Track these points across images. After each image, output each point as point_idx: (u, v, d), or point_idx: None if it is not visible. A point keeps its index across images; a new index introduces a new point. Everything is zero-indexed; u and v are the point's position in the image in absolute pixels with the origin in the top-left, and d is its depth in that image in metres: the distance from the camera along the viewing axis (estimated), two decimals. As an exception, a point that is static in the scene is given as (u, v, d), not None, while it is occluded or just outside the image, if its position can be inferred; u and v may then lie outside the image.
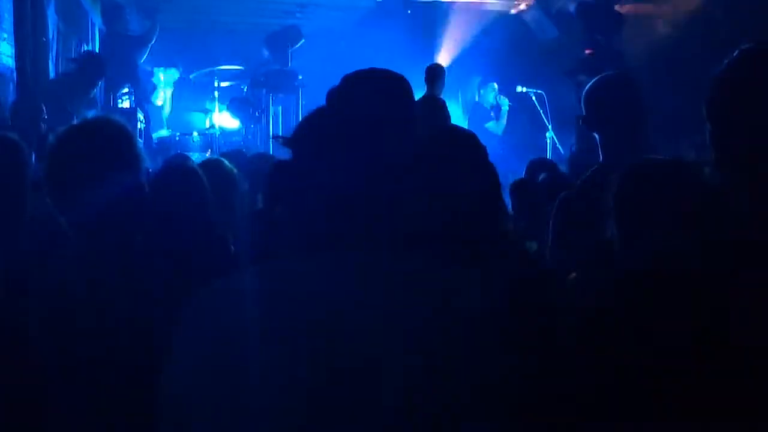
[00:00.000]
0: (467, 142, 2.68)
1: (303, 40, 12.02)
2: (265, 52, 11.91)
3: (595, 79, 3.65)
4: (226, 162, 4.44)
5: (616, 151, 3.42)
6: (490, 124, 11.20)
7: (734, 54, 1.92)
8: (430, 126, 5.74)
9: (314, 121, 1.73)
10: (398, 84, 2.72)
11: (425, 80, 9.02)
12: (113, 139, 2.39)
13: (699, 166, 2.38)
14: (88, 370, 2.26)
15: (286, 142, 1.71)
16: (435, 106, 8.59)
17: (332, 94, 2.49)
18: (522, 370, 1.64)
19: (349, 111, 1.81)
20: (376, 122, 1.75)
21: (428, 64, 9.34)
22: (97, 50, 11.13)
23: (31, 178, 3.08)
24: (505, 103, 11.26)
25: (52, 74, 8.79)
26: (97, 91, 8.83)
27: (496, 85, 11.43)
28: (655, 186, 2.36)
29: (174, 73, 11.92)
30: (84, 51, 9.82)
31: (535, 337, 1.92)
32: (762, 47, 1.93)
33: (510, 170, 9.01)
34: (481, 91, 11.56)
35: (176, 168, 3.58)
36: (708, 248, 1.91)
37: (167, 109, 11.98)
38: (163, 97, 11.64)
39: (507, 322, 1.67)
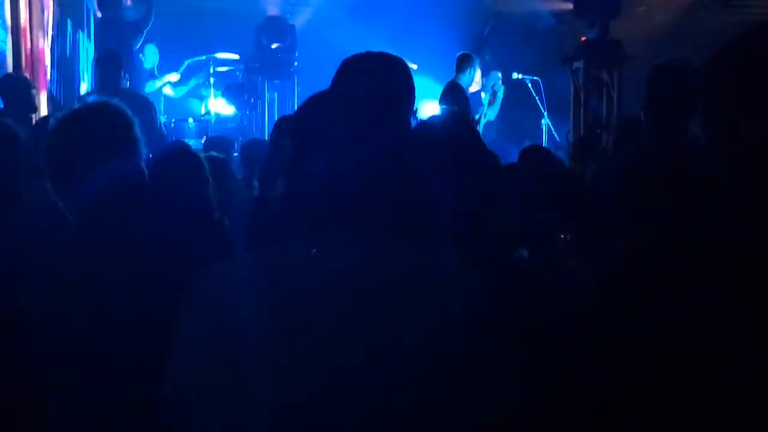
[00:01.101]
0: (461, 131, 2.68)
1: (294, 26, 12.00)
2: (259, 39, 11.86)
3: (658, 62, 3.79)
4: (214, 153, 4.45)
5: (653, 134, 3.51)
6: (483, 108, 11.18)
7: (725, 43, 1.91)
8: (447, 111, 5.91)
9: (313, 106, 1.73)
10: (395, 65, 2.71)
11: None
12: (113, 123, 2.38)
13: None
14: (88, 357, 2.26)
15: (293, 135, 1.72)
16: (451, 92, 9.23)
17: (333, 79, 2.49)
18: (520, 363, 1.64)
19: (347, 94, 1.80)
20: (375, 104, 1.74)
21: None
22: (92, 36, 11.10)
23: (26, 163, 3.07)
24: (501, 89, 11.25)
25: (47, 61, 8.75)
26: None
27: (499, 74, 11.40)
28: (655, 177, 2.37)
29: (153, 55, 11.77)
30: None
31: (535, 332, 1.92)
32: (751, 35, 1.92)
33: (505, 157, 9.02)
34: (483, 80, 11.54)
35: (176, 153, 3.58)
36: (704, 233, 1.91)
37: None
38: (160, 85, 11.56)
39: (509, 314, 1.67)
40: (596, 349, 2.05)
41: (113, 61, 7.39)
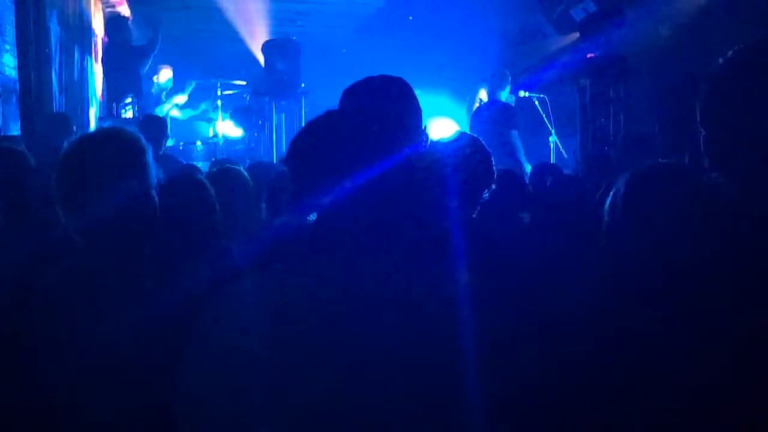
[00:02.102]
0: (471, 148, 2.69)
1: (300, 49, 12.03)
2: (266, 61, 11.89)
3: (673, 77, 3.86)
4: (244, 172, 4.47)
5: (665, 148, 3.55)
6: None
7: (724, 58, 1.91)
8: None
9: (316, 134, 1.73)
10: (397, 87, 2.72)
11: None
12: (124, 148, 2.39)
13: (699, 171, 2.39)
14: (97, 381, 2.26)
15: (288, 159, 1.72)
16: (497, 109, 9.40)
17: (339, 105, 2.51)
18: (536, 374, 1.63)
19: (353, 119, 1.80)
20: (381, 127, 1.75)
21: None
22: (100, 60, 11.16)
23: (37, 188, 3.09)
24: None
25: (55, 86, 8.78)
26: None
27: (514, 98, 11.38)
28: (658, 189, 2.36)
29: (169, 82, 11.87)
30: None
31: (546, 342, 1.91)
32: (749, 51, 1.92)
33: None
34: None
35: (182, 179, 3.58)
36: (710, 248, 1.91)
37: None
38: (169, 108, 11.61)
39: (523, 327, 1.66)
40: (602, 350, 2.05)
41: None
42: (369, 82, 2.70)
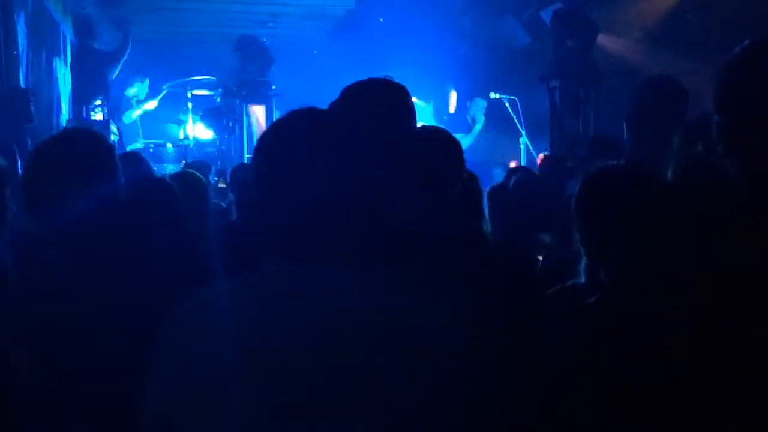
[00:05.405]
0: (448, 144, 2.70)
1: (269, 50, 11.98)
2: (236, 61, 11.85)
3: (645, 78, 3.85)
4: (196, 173, 4.45)
5: (634, 151, 3.55)
6: (459, 136, 11.14)
7: (743, 45, 1.91)
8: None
9: (284, 134, 1.71)
10: (400, 93, 2.72)
11: None
12: (91, 150, 2.39)
13: (657, 172, 2.38)
14: (67, 383, 2.24)
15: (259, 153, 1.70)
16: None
17: (336, 105, 2.49)
18: (504, 381, 1.64)
19: (352, 121, 1.79)
20: (376, 128, 1.74)
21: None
22: (68, 63, 11.08)
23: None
24: (481, 121, 11.25)
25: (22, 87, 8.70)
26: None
27: (485, 103, 11.38)
28: (613, 192, 2.34)
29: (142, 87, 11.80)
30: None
31: (516, 354, 1.92)
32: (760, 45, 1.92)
33: (485, 176, 9.02)
34: (467, 103, 11.57)
35: (153, 180, 3.57)
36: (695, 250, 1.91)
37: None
38: (138, 114, 11.55)
39: (491, 330, 1.66)
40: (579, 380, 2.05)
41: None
42: (370, 85, 2.70)
